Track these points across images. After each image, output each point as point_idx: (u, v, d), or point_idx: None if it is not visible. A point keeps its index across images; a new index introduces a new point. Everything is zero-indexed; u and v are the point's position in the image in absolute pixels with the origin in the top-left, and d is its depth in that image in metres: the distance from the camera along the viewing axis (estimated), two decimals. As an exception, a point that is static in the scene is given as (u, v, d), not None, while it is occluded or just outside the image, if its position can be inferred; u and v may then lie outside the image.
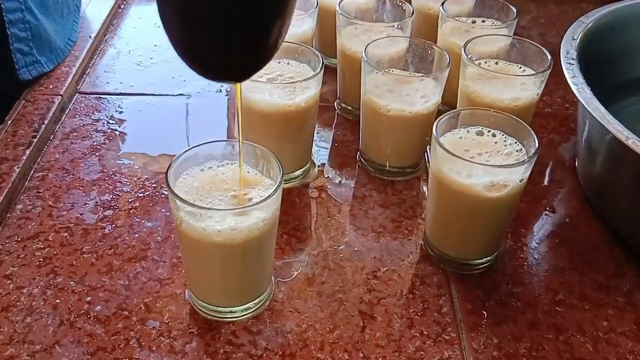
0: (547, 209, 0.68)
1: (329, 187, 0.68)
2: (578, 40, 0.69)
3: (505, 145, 0.57)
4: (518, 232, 0.64)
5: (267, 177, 0.53)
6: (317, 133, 0.73)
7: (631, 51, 0.77)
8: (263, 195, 0.50)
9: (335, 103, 0.80)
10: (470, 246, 0.59)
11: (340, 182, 0.69)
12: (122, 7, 0.99)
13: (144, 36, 0.92)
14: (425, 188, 0.69)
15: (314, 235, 0.62)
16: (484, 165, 0.53)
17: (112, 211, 0.63)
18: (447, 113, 0.58)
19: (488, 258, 0.59)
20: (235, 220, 0.48)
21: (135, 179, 0.67)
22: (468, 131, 0.58)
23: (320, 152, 0.74)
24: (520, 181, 0.53)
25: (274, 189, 0.48)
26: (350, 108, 0.78)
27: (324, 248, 0.61)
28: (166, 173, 0.49)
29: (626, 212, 0.62)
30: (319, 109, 0.68)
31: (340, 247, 0.61)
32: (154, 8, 0.46)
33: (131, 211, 0.63)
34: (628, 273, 0.60)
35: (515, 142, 0.57)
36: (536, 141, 0.54)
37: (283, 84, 0.63)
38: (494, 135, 0.58)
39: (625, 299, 0.58)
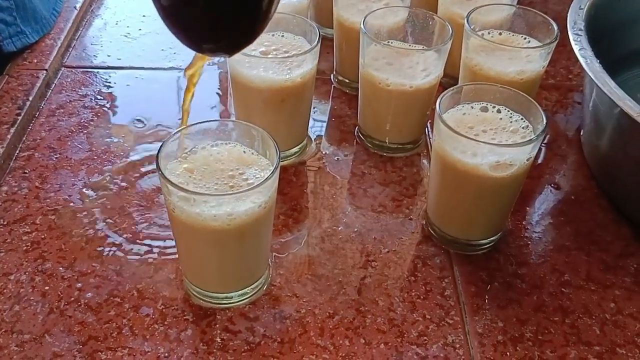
0: (551, 185, 0.66)
1: (326, 164, 0.66)
2: (585, 10, 0.66)
3: (511, 122, 0.55)
4: (522, 210, 0.62)
5: (263, 156, 0.50)
6: (313, 107, 0.70)
7: (638, 21, 0.74)
8: (259, 176, 0.48)
9: (332, 76, 0.78)
10: (474, 226, 0.57)
11: (338, 159, 0.67)
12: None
13: (132, 6, 0.89)
14: (426, 164, 0.67)
15: (312, 215, 0.60)
16: (490, 144, 0.50)
17: (101, 192, 0.61)
18: (451, 88, 0.55)
19: (492, 238, 0.58)
20: (231, 204, 0.45)
21: (126, 159, 0.64)
22: (472, 107, 0.56)
23: (317, 127, 0.71)
24: (527, 160, 0.51)
25: (271, 171, 0.46)
26: (347, 81, 0.75)
27: (323, 229, 0.59)
28: (157, 155, 0.46)
29: (633, 190, 0.60)
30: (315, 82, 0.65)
31: (340, 228, 0.59)
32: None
33: (121, 192, 0.61)
34: (635, 253, 0.58)
35: (522, 119, 0.55)
36: (544, 118, 0.52)
37: (278, 58, 0.60)
38: (499, 111, 0.56)
39: (632, 280, 0.56)
